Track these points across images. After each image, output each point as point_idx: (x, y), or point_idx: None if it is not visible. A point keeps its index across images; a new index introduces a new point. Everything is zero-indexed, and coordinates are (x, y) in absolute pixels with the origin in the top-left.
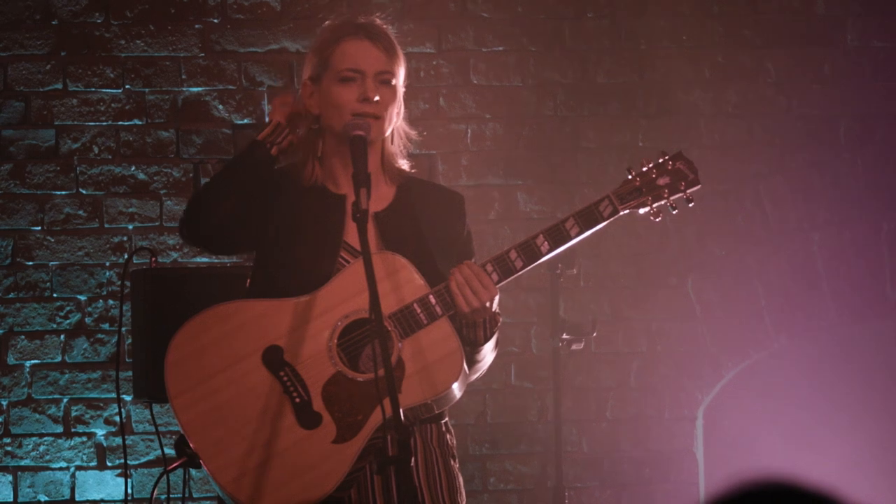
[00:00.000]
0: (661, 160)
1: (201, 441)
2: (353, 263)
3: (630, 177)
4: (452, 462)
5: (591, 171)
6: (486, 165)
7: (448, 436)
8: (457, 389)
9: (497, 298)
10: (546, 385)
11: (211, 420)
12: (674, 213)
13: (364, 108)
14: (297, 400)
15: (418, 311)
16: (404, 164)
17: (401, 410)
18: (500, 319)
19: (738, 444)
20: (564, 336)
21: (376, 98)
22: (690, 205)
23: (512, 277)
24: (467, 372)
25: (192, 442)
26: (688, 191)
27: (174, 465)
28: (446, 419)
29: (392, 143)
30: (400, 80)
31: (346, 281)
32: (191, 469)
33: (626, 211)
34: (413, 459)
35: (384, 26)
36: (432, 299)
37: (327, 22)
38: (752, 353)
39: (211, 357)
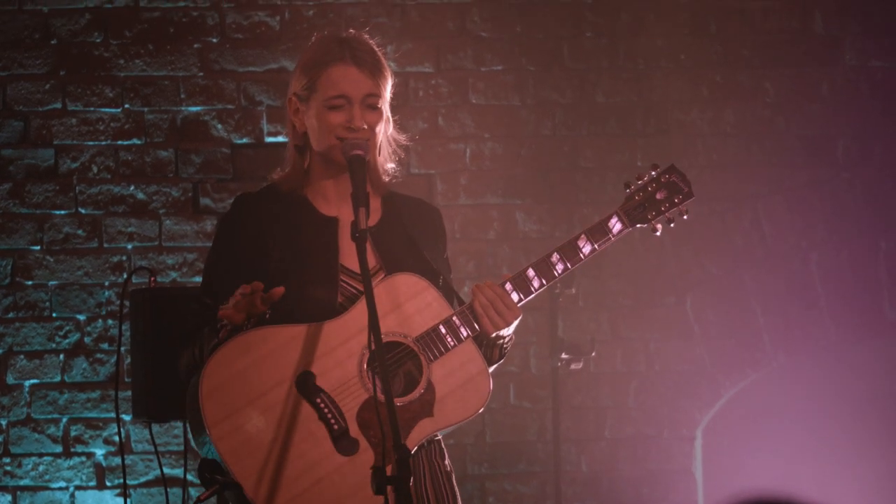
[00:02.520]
0: (654, 174)
1: (242, 470)
2: (377, 286)
3: (629, 192)
4: (453, 477)
5: (589, 191)
6: (484, 185)
7: (444, 450)
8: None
9: (519, 319)
10: (545, 404)
11: (250, 448)
12: (671, 226)
13: (349, 134)
14: (335, 426)
15: (444, 333)
16: (392, 168)
17: (399, 431)
18: (514, 338)
19: (737, 463)
20: (563, 356)
21: (363, 126)
22: (685, 217)
23: (531, 297)
24: None
25: (234, 471)
26: (683, 204)
27: (207, 493)
28: (440, 435)
29: (380, 155)
30: (387, 94)
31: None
32: (190, 489)
33: (638, 226)
34: (413, 478)
35: (368, 42)
36: (457, 321)
37: (315, 36)
38: (750, 373)
39: (244, 385)
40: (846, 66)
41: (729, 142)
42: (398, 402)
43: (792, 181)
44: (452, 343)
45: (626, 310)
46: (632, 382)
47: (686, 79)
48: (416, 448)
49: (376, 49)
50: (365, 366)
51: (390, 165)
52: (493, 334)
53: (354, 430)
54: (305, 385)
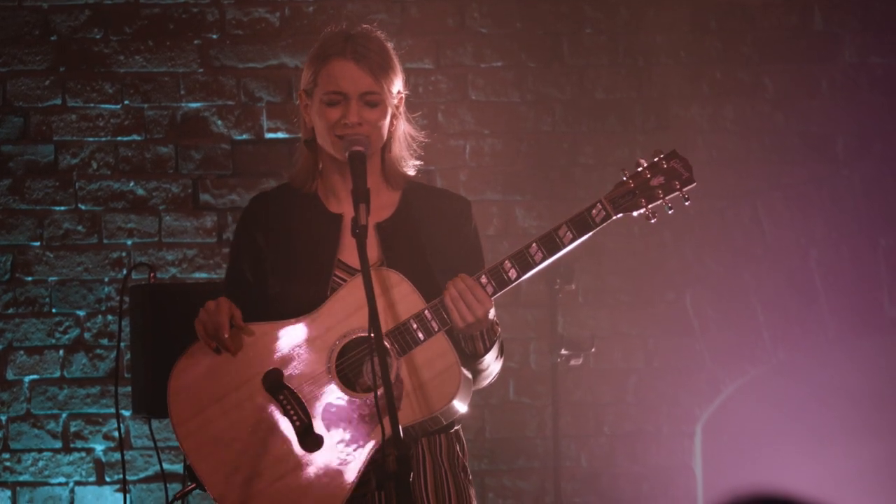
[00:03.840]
0: (655, 160)
1: (205, 467)
2: (349, 281)
3: (624, 179)
4: (462, 475)
5: (589, 187)
6: (484, 181)
7: (458, 446)
8: (458, 403)
9: (493, 310)
10: (544, 400)
11: (214, 446)
12: (670, 212)
13: (345, 131)
14: (297, 423)
15: (415, 327)
16: (412, 167)
17: (399, 428)
18: (499, 330)
19: (737, 459)
20: (563, 352)
21: (358, 122)
22: (687, 203)
23: (507, 288)
24: (471, 381)
25: (197, 469)
26: (683, 189)
27: (182, 491)
28: (457, 428)
29: (392, 151)
30: (394, 90)
31: (344, 300)
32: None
33: (620, 215)
34: (413, 474)
35: (377, 38)
36: (428, 314)
37: (329, 27)
38: (749, 369)
39: (212, 384)
40: (845, 62)
41: (728, 138)
42: (365, 396)
43: (791, 177)
44: (423, 337)
45: (625, 306)
46: (631, 378)
47: (686, 75)
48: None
49: (385, 45)
50: (334, 361)
51: (412, 162)
52: (463, 325)
53: (319, 426)
54: (271, 382)
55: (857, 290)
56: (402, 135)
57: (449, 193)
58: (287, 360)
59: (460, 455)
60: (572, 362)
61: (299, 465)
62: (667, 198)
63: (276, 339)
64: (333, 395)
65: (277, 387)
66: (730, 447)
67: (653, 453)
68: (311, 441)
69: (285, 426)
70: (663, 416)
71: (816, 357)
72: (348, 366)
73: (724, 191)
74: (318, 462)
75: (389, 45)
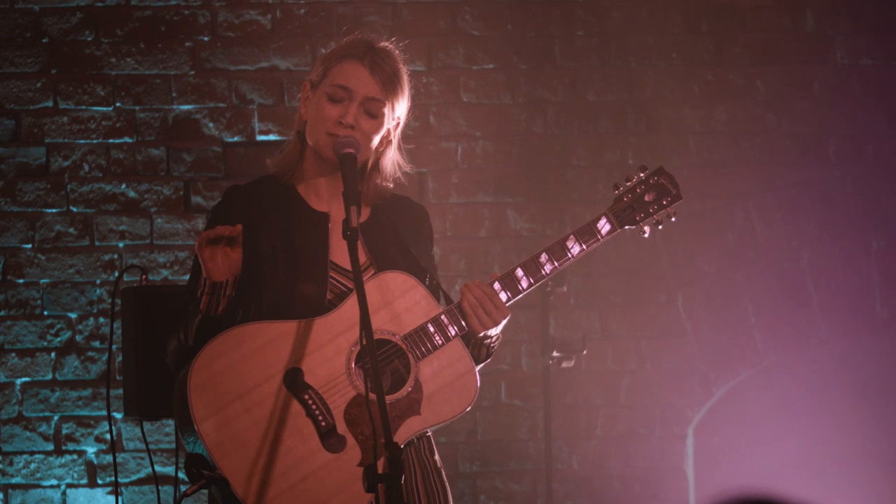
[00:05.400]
0: (643, 175)
1: (230, 465)
2: (366, 283)
3: (618, 193)
4: (443, 472)
5: (580, 189)
6: (476, 183)
7: (435, 446)
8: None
9: (507, 318)
10: (536, 403)
11: (238, 444)
12: (659, 228)
13: (338, 130)
14: (323, 423)
15: (433, 331)
16: (389, 186)
17: (391, 430)
18: (502, 337)
19: (728, 461)
20: (555, 354)
21: (352, 125)
22: (673, 219)
23: (519, 296)
24: None
25: (221, 466)
26: (671, 206)
27: (193, 487)
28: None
29: (379, 173)
30: (395, 113)
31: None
32: (181, 487)
33: (625, 227)
34: (404, 476)
35: (395, 58)
36: (445, 319)
37: (356, 33)
38: (741, 371)
39: (233, 381)
40: (837, 64)
41: (720, 140)
42: (388, 398)
43: (783, 179)
44: (440, 341)
45: (617, 308)
46: (623, 380)
47: (677, 77)
48: (403, 445)
49: (402, 67)
50: (353, 363)
51: (388, 184)
52: (482, 333)
53: (342, 427)
54: (293, 382)
55: (849, 292)
56: (389, 162)
57: (409, 199)
58: (307, 359)
59: (437, 453)
60: (564, 364)
61: (323, 466)
62: (657, 214)
63: (293, 338)
64: (355, 397)
65: (301, 386)
66: (721, 449)
67: (644, 455)
68: (335, 442)
69: (309, 426)
70: (655, 419)
71: (808, 359)
72: (368, 368)
73: (715, 193)
74: (341, 463)
75: (405, 70)
